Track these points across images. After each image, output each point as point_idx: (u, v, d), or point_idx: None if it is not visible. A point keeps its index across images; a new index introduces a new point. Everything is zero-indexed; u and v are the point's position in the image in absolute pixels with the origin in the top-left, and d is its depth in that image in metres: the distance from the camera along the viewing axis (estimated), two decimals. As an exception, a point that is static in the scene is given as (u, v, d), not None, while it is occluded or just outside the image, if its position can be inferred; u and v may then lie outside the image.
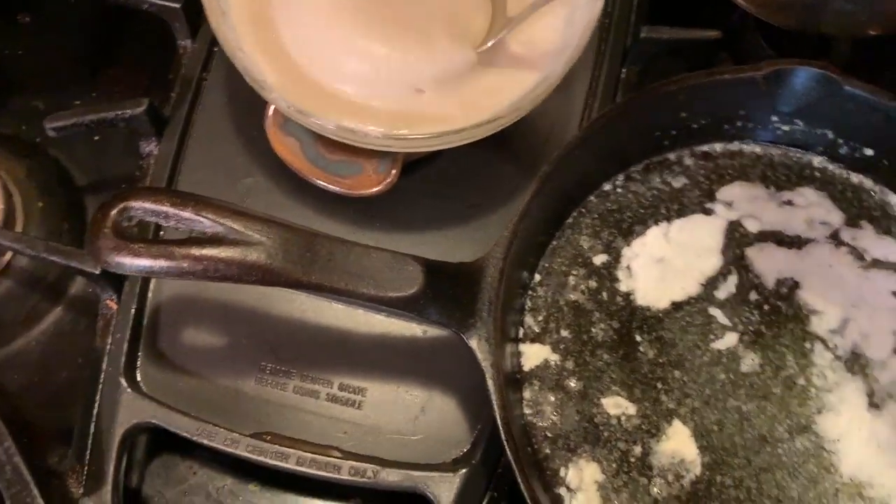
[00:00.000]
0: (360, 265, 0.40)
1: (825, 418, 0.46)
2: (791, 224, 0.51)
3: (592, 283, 0.49)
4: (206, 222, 0.38)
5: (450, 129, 0.46)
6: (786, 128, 0.52)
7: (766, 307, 0.49)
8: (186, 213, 0.38)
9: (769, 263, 0.50)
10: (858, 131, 0.51)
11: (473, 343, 0.42)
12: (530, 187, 0.46)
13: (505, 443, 0.40)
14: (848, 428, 0.46)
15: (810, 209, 0.51)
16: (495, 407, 0.40)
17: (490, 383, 0.41)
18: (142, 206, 0.38)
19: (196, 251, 0.37)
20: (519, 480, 0.40)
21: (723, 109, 0.51)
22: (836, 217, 0.51)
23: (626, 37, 0.59)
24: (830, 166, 0.53)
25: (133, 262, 0.37)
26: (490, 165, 0.53)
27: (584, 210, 0.51)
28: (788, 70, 0.48)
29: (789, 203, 0.51)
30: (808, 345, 0.48)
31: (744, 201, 0.51)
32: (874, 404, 0.47)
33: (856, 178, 0.52)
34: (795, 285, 0.49)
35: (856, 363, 0.48)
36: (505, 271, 0.44)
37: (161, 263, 0.37)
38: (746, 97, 0.50)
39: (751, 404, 0.47)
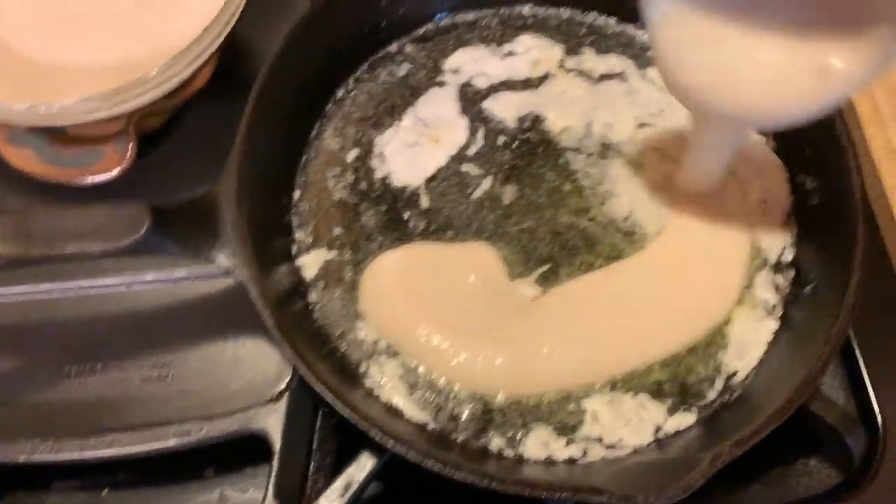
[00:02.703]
0: (83, 225, 0.40)
1: (610, 205, 0.49)
2: (518, 70, 0.53)
3: (350, 178, 0.50)
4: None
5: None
6: (486, -11, 0.55)
7: (515, 144, 0.51)
8: None
9: (507, 108, 0.52)
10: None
11: (222, 260, 0.42)
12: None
13: (274, 330, 0.40)
14: (631, 204, 0.49)
15: (532, 52, 0.54)
16: (260, 308, 0.41)
17: (250, 288, 0.41)
18: None
19: None
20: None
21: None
22: (556, 52, 0.54)
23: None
24: (540, 10, 0.56)
25: None
26: (229, 115, 0.54)
27: (325, 120, 0.52)
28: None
29: (511, 53, 0.54)
30: (561, 159, 0.50)
31: (469, 64, 0.54)
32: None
33: (565, 12, 0.55)
34: (537, 119, 0.52)
35: (608, 150, 0.50)
36: (241, 190, 0.44)
37: None
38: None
39: (529, 221, 0.48)
